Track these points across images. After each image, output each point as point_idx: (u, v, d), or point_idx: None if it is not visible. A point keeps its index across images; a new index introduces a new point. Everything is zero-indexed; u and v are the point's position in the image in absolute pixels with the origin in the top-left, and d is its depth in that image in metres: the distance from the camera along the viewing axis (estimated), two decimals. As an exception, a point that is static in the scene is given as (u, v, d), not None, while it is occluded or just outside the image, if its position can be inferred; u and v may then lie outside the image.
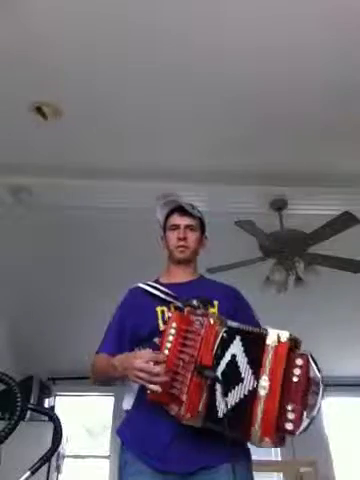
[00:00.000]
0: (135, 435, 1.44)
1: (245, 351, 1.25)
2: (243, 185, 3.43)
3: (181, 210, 1.69)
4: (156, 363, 1.27)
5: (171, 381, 1.29)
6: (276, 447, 1.18)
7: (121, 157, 3.21)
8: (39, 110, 2.74)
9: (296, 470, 4.65)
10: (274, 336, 1.19)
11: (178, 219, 1.70)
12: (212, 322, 1.30)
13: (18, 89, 2.63)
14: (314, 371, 1.15)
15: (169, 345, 1.33)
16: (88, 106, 2.79)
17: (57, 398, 5.65)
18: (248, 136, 3.01)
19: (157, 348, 1.37)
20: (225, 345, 1.28)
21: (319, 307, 4.55)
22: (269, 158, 3.22)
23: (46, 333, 4.91)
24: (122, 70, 2.54)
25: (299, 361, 1.15)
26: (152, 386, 1.26)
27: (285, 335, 1.18)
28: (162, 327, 1.49)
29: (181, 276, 1.68)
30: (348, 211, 2.99)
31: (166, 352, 1.31)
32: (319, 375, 1.15)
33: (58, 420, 1.64)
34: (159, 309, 1.54)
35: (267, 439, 1.16)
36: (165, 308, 1.53)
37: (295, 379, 1.14)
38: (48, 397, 5.20)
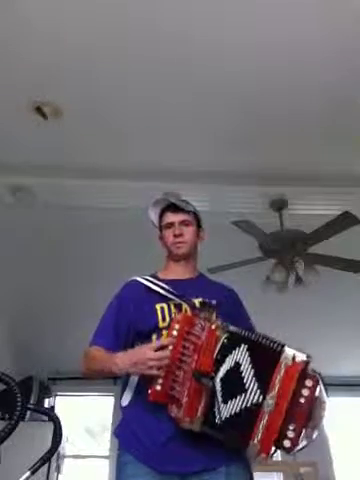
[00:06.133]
0: (132, 435, 1.43)
1: (252, 362, 1.23)
2: (243, 185, 3.43)
3: (173, 207, 1.69)
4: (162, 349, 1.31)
5: (172, 382, 1.30)
6: (265, 461, 1.19)
7: (121, 157, 3.21)
8: (39, 110, 2.73)
9: (296, 470, 4.65)
10: (290, 354, 1.17)
11: (171, 216, 1.68)
12: (213, 327, 1.29)
13: (18, 89, 2.63)
14: (321, 393, 1.15)
15: (170, 346, 1.33)
16: (88, 106, 2.79)
17: (57, 398, 5.65)
18: (248, 136, 3.01)
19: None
20: (226, 351, 1.27)
21: (319, 307, 4.55)
22: (269, 158, 3.22)
23: (46, 333, 4.91)
24: (122, 69, 2.54)
25: (309, 382, 1.14)
26: (158, 372, 1.28)
27: (301, 356, 1.16)
28: (161, 324, 1.48)
29: (181, 273, 1.67)
30: (348, 211, 2.99)
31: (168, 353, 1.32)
32: (325, 399, 1.15)
33: (58, 420, 1.64)
34: (158, 306, 1.53)
35: (263, 455, 1.16)
36: (165, 305, 1.53)
37: (302, 400, 1.14)
38: (48, 397, 5.20)
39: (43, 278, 4.35)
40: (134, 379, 1.45)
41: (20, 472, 1.49)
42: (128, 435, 1.45)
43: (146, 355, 1.30)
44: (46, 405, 5.06)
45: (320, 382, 1.14)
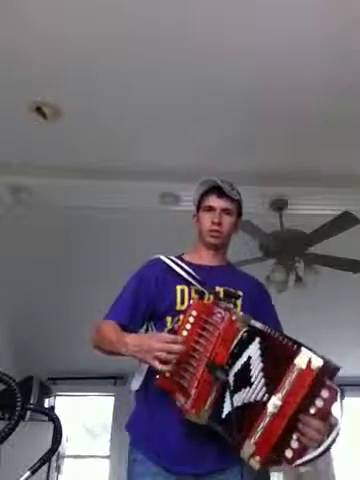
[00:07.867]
0: (143, 433, 1.40)
1: (262, 356, 1.15)
2: (243, 185, 3.39)
3: (219, 191, 1.58)
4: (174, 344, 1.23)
5: (182, 371, 1.25)
6: (261, 468, 1.07)
7: (121, 157, 3.21)
8: (39, 110, 2.73)
9: (296, 470, 4.64)
10: (305, 358, 1.03)
11: (215, 201, 1.58)
12: (234, 318, 1.21)
13: (18, 89, 2.63)
14: (336, 410, 1.05)
15: (185, 333, 1.27)
16: (88, 106, 2.79)
17: (57, 398, 5.65)
18: (248, 136, 3.01)
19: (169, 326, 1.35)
20: (244, 345, 1.20)
21: (319, 307, 4.55)
22: (269, 158, 3.21)
23: (46, 333, 4.91)
24: (122, 69, 2.53)
25: (325, 393, 1.02)
26: (162, 366, 1.19)
27: (317, 362, 1.01)
28: (179, 306, 1.43)
29: (209, 259, 1.60)
30: (348, 211, 2.99)
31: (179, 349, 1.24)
32: (339, 418, 1.05)
33: (58, 420, 1.64)
34: (179, 288, 1.47)
35: (257, 458, 1.07)
36: (186, 287, 1.46)
37: (312, 410, 1.02)
38: (48, 397, 5.20)
39: (43, 278, 4.35)
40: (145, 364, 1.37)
41: (20, 472, 1.49)
42: (139, 432, 1.42)
43: (154, 346, 1.21)
44: (46, 405, 5.06)
45: (338, 398, 1.02)
